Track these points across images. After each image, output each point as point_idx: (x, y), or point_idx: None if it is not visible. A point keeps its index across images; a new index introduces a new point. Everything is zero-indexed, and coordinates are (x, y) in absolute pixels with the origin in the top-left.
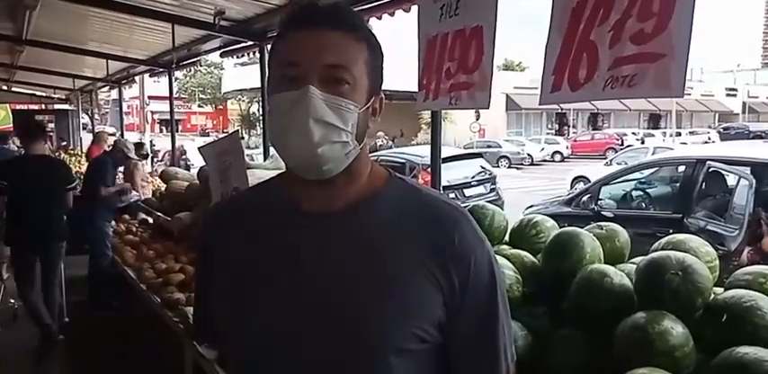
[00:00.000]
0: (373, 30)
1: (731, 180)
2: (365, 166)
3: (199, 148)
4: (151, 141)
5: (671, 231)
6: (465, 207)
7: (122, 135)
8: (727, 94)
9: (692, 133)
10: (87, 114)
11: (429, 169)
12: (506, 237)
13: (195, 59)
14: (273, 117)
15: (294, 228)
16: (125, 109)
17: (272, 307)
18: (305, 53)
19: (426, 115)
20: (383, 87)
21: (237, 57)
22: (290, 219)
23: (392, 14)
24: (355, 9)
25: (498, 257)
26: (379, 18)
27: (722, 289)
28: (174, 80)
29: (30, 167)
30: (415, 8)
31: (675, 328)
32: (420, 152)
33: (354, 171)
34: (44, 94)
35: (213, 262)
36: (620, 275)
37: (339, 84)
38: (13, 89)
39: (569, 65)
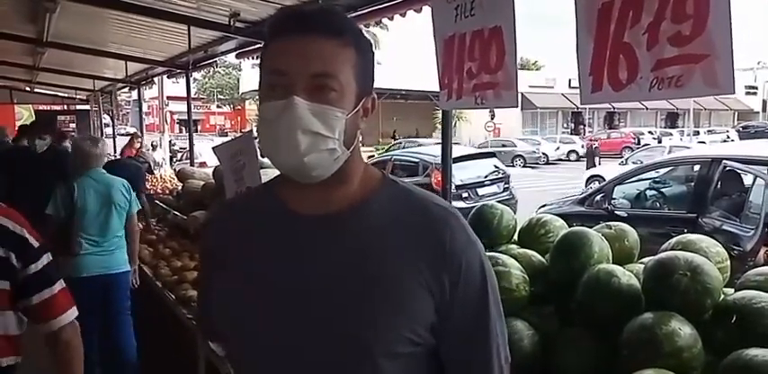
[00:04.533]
0: (362, 29)
1: (747, 179)
2: (358, 168)
3: (213, 148)
4: (170, 141)
5: (685, 231)
6: (476, 206)
7: (142, 134)
8: (747, 92)
9: (710, 132)
10: (108, 114)
11: None
12: (515, 237)
13: (212, 61)
14: (262, 125)
15: (288, 230)
16: (145, 109)
17: (268, 307)
18: (290, 62)
19: (441, 114)
20: (399, 87)
21: (253, 59)
22: (285, 222)
23: (403, 15)
24: (364, 11)
25: (505, 257)
26: (391, 19)
27: (733, 290)
28: (192, 81)
29: None
30: (426, 9)
31: (683, 329)
32: (434, 151)
33: (346, 173)
34: (66, 95)
35: (213, 264)
36: (629, 275)
37: (325, 92)
38: (36, 90)
39: (607, 66)
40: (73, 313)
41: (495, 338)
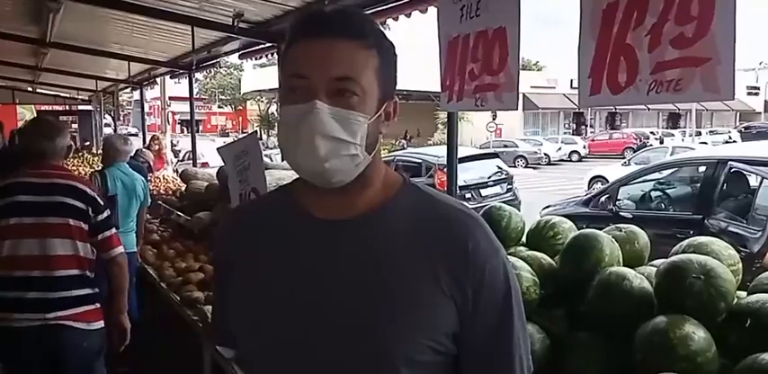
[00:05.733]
0: (384, 32)
1: (753, 180)
2: (378, 173)
3: (218, 149)
4: (172, 141)
5: (691, 232)
6: (481, 207)
7: (144, 135)
8: (749, 93)
9: (712, 132)
10: (110, 115)
11: (445, 169)
12: (523, 239)
13: (215, 61)
14: (282, 129)
15: (307, 235)
16: (147, 109)
17: (284, 313)
18: (312, 65)
19: (443, 115)
20: (400, 87)
21: (256, 59)
22: (304, 226)
23: (408, 15)
24: (371, 11)
25: (515, 259)
26: (396, 19)
27: (745, 293)
28: (194, 81)
29: None
30: (431, 9)
31: (697, 333)
32: (436, 152)
33: (367, 178)
34: (68, 96)
35: (229, 268)
36: (640, 278)
37: (347, 96)
38: (38, 90)
39: (607, 68)
40: (121, 249)
41: (517, 347)
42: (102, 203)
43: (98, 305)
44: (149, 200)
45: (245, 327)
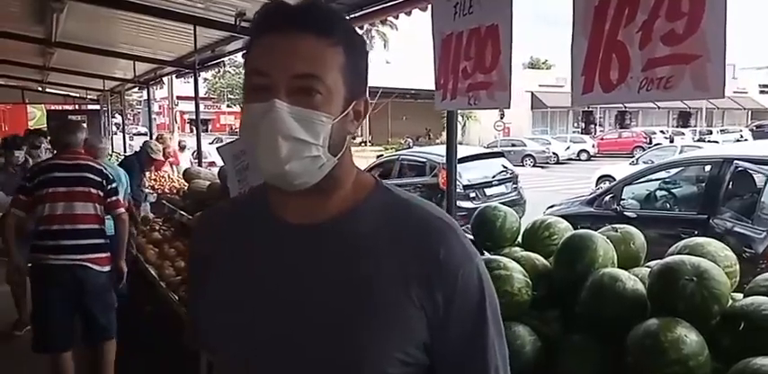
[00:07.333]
0: (353, 28)
1: (759, 180)
2: (348, 175)
3: (217, 148)
4: (180, 142)
5: (696, 232)
6: (481, 207)
7: (151, 135)
8: (761, 91)
9: (723, 131)
10: (119, 114)
11: None
12: (519, 239)
13: (219, 60)
14: (244, 129)
15: (273, 239)
16: (156, 109)
17: (253, 319)
18: (273, 61)
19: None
20: (408, 86)
21: None
22: (274, 231)
23: (408, 14)
24: (370, 9)
25: (506, 260)
26: (396, 17)
27: (742, 296)
28: (202, 81)
29: None
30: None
31: (689, 336)
32: (441, 151)
33: (336, 180)
34: (77, 95)
35: (201, 272)
36: (633, 280)
37: (310, 94)
38: (48, 90)
39: (599, 66)
40: (123, 209)
41: (493, 357)
42: (111, 177)
43: (108, 253)
44: (128, 191)
45: (211, 334)
